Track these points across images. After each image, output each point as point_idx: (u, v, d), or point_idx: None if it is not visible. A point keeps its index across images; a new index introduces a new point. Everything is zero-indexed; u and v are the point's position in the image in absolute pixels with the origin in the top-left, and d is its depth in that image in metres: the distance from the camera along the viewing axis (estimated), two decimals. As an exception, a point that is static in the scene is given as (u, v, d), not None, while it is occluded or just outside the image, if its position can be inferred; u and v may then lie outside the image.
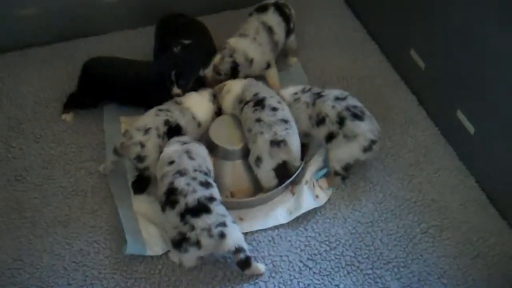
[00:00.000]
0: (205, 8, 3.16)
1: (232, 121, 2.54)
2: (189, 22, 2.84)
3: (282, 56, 2.93)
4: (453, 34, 2.49)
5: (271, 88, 2.63)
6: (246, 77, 2.68)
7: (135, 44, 3.00)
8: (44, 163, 2.51)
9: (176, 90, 2.54)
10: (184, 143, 2.28)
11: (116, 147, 2.35)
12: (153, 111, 2.41)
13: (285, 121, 2.36)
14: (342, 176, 2.43)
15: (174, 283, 2.15)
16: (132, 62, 2.69)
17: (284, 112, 2.39)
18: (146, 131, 2.32)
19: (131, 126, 2.37)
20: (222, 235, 2.02)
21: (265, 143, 2.30)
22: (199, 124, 2.50)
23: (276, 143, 2.30)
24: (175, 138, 2.33)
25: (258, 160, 2.32)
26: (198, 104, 2.52)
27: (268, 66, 2.78)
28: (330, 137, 2.39)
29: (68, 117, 2.68)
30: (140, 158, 2.31)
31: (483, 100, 2.39)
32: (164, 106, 2.45)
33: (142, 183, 2.37)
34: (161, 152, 2.30)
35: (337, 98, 2.40)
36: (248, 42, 2.71)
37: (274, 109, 2.37)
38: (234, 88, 2.55)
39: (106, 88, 2.63)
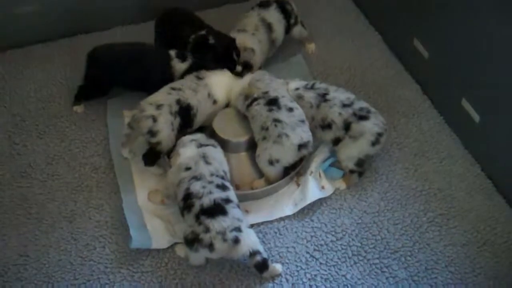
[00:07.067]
0: (206, 2, 3.16)
1: (236, 114, 2.52)
2: (189, 16, 2.82)
3: (285, 48, 2.92)
4: (456, 22, 2.47)
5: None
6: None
7: (137, 39, 2.96)
8: (49, 159, 2.50)
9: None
10: (200, 145, 2.25)
11: (130, 121, 2.38)
12: (165, 89, 2.40)
13: (303, 121, 2.34)
14: (358, 173, 2.41)
15: (181, 276, 2.15)
16: (136, 45, 2.69)
17: (299, 110, 2.37)
18: (158, 106, 2.32)
19: (144, 101, 2.35)
20: (236, 241, 2.00)
21: (293, 147, 2.30)
22: (214, 101, 2.49)
23: (304, 145, 2.31)
24: (189, 137, 2.30)
25: (276, 161, 2.32)
26: (223, 83, 2.51)
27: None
28: (336, 141, 2.39)
29: (79, 108, 2.69)
30: (152, 133, 2.30)
31: (487, 88, 2.38)
32: (177, 84, 2.43)
33: (153, 156, 2.37)
34: (173, 130, 2.33)
35: (344, 105, 2.36)
36: (248, 36, 2.70)
37: (291, 109, 2.35)
38: (243, 79, 2.53)
39: (113, 74, 2.60)
